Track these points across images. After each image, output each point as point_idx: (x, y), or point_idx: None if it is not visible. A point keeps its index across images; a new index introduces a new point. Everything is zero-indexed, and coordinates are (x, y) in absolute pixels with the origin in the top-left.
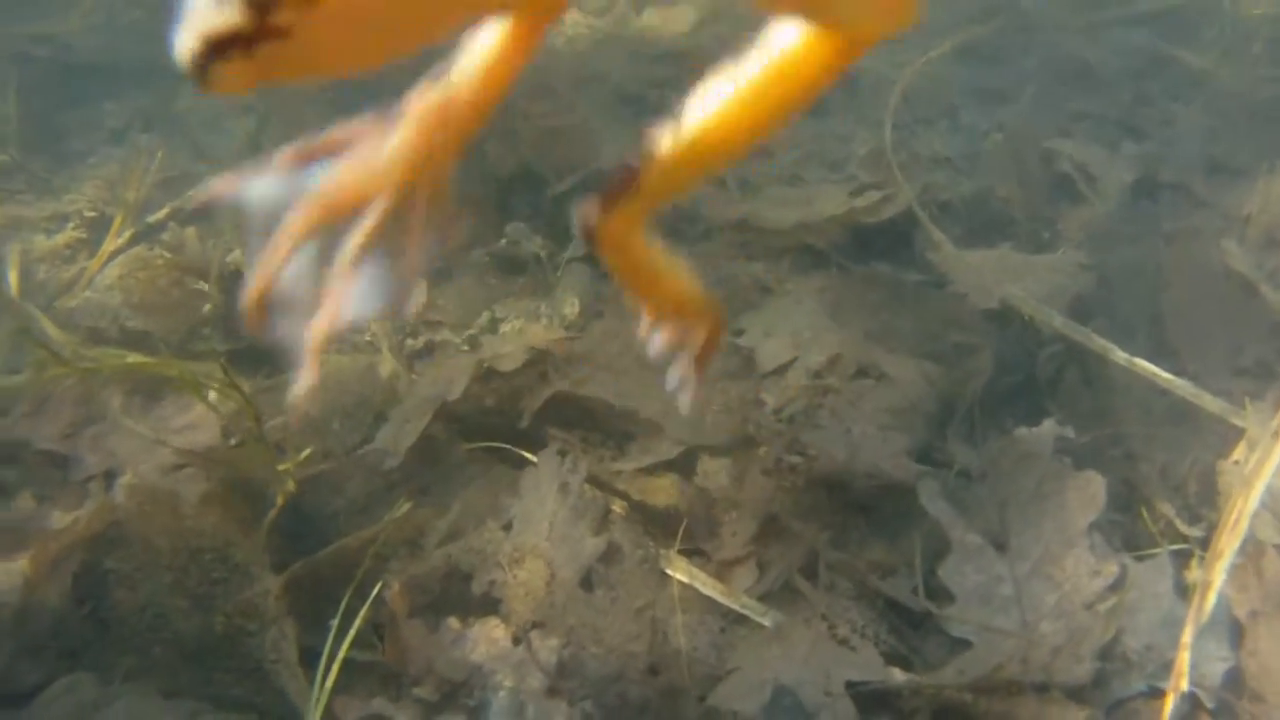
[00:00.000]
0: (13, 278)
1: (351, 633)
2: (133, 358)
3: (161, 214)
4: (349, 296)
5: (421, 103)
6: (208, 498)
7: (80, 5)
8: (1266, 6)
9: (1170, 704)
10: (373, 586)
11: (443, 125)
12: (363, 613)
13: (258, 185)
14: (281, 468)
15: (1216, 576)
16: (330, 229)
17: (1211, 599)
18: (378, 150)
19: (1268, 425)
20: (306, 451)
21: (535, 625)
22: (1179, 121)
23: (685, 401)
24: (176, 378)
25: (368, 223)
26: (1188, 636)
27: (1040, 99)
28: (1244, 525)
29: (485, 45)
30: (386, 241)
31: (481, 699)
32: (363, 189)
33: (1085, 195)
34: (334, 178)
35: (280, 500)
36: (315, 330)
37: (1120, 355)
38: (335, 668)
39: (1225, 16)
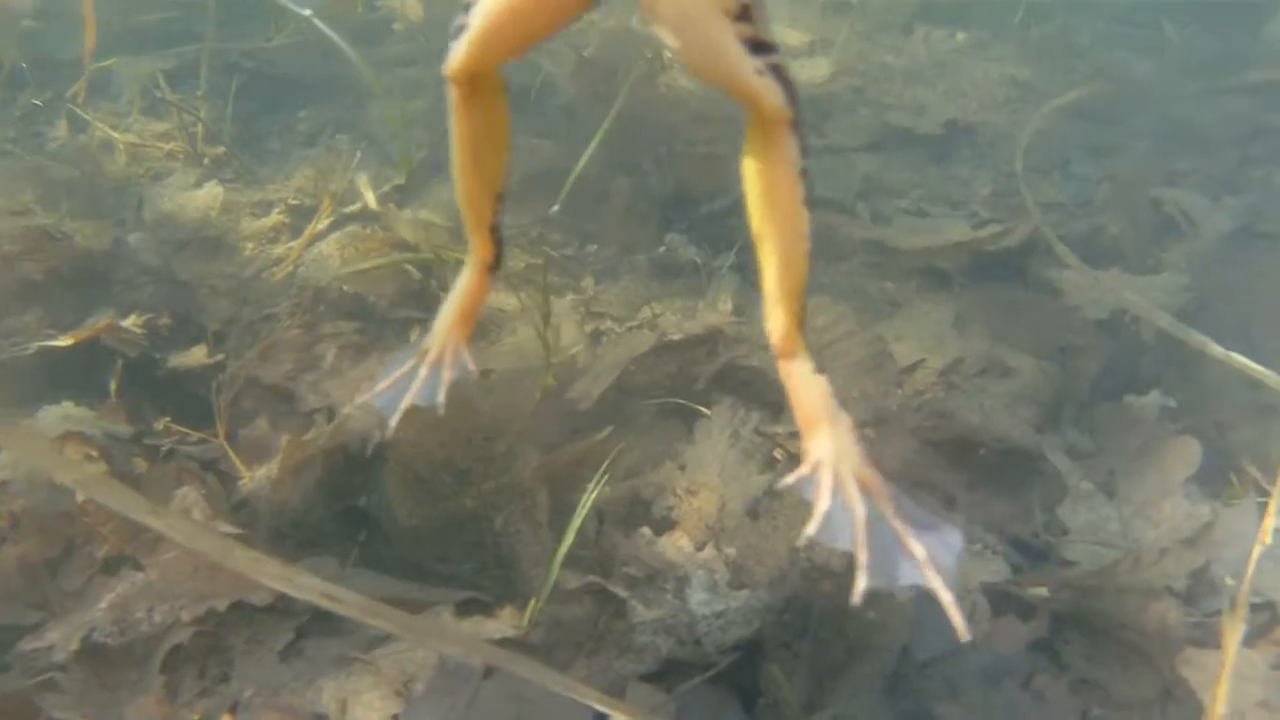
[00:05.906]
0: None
1: (581, 511)
2: None
3: (355, 207)
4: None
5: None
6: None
7: (285, 27)
8: None
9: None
10: (574, 495)
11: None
12: (587, 502)
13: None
14: (555, 360)
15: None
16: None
17: (1269, 523)
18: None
19: None
20: (578, 347)
21: (708, 542)
22: (1279, 182)
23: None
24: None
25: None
26: (1255, 552)
27: (1148, 155)
28: None
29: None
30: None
31: (685, 575)
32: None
33: (1187, 235)
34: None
35: (539, 393)
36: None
37: (1217, 349)
38: (573, 526)
39: None
